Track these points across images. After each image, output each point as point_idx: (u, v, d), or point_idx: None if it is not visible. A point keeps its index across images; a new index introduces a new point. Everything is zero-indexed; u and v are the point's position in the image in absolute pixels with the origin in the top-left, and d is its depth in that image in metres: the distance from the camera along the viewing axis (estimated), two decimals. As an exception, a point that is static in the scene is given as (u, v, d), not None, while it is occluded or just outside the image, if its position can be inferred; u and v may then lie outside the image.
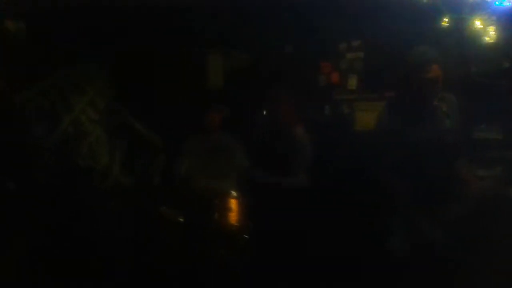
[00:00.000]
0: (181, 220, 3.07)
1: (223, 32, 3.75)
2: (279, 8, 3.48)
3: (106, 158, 3.21)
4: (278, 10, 3.49)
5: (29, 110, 2.68)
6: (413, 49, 2.75)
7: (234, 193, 3.08)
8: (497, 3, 2.96)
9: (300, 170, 3.11)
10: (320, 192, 3.06)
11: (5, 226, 2.50)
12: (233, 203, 3.03)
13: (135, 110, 3.35)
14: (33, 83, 2.72)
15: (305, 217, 2.92)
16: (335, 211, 3.03)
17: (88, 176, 3.04)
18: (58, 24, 2.92)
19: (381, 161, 2.77)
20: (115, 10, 3.22)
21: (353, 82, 3.78)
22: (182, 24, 3.52)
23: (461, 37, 3.13)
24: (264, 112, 3.10)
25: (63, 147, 2.89)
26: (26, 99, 2.69)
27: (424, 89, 2.70)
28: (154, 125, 3.34)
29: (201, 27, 3.61)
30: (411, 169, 2.72)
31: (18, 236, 2.59)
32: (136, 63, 3.36)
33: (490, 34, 3.04)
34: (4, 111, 2.55)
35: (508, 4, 2.95)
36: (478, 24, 3.05)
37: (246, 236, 2.91)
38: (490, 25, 3.04)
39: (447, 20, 3.10)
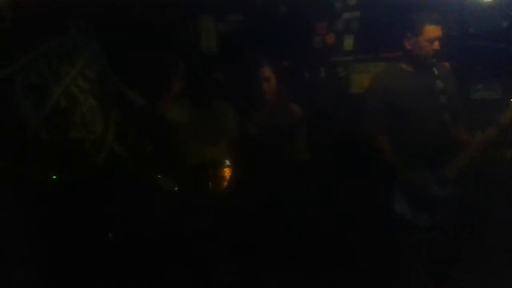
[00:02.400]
0: (175, 188, 3.11)
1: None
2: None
3: (99, 128, 3.22)
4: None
5: (17, 84, 2.65)
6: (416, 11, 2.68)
7: (227, 161, 3.09)
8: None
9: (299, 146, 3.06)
10: (317, 161, 3.06)
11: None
12: (226, 172, 3.04)
13: (126, 77, 3.33)
14: (20, 56, 2.67)
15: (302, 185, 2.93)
16: (334, 179, 3.05)
17: (83, 146, 3.06)
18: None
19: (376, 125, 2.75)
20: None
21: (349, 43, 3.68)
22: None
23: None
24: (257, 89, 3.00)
25: (55, 120, 2.88)
26: (13, 72, 2.65)
27: (422, 51, 2.64)
28: (146, 92, 3.31)
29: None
30: (408, 133, 2.70)
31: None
32: (124, 29, 3.29)
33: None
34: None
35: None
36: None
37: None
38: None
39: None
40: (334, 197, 3.02)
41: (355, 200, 2.99)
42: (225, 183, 3.06)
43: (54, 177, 2.84)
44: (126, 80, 3.33)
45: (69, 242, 2.78)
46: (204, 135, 3.08)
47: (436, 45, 2.62)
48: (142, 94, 3.31)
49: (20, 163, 2.62)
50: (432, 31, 2.61)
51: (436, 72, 2.68)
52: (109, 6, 3.19)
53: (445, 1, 3.02)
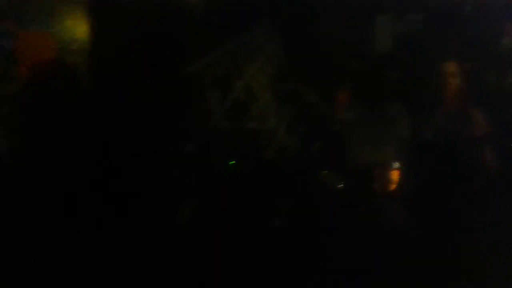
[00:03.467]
0: (341, 186, 3.13)
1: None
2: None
3: (273, 121, 3.42)
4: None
5: (205, 78, 2.97)
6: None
7: (396, 164, 2.99)
8: None
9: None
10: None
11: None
12: (394, 175, 2.95)
13: (303, 76, 3.45)
14: (209, 52, 2.99)
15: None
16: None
17: (256, 137, 3.29)
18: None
19: None
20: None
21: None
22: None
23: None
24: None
25: (234, 111, 3.16)
26: (203, 66, 2.98)
27: None
28: (320, 91, 3.39)
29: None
30: None
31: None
32: (304, 30, 3.40)
33: None
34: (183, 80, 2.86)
35: None
36: None
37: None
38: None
39: None
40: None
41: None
42: (392, 187, 2.97)
43: (231, 162, 3.10)
44: (301, 78, 3.44)
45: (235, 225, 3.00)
46: (375, 137, 3.04)
47: None
48: (315, 92, 3.40)
49: (205, 149, 2.92)
50: None
51: None
52: (291, 7, 3.33)
53: None
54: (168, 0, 2.84)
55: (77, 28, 2.70)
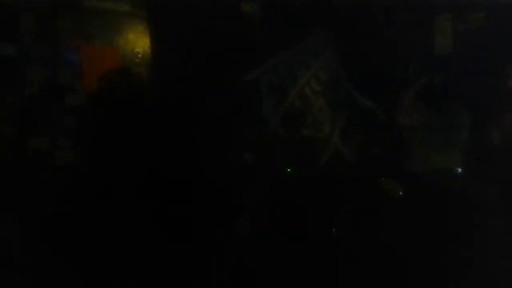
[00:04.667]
0: (401, 193, 3.06)
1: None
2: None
3: (327, 128, 3.39)
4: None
5: (262, 85, 2.99)
6: None
7: (459, 170, 2.90)
8: None
9: None
10: None
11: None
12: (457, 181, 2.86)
13: (357, 82, 3.40)
14: (265, 60, 3.01)
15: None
16: None
17: (311, 144, 3.27)
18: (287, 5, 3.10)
19: None
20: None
21: None
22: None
23: None
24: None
25: (289, 118, 3.16)
26: (259, 74, 3.00)
27: None
28: (375, 97, 3.34)
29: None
30: None
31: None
32: (358, 37, 3.36)
33: None
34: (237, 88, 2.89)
35: None
36: None
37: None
38: None
39: None
40: None
41: None
42: (454, 193, 2.87)
43: (288, 170, 3.10)
44: (357, 83, 3.40)
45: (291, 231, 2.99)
46: (436, 141, 2.95)
47: None
48: (372, 97, 3.35)
49: (261, 155, 2.94)
50: None
51: None
52: (346, 14, 3.30)
53: None
54: (226, 10, 2.89)
55: (139, 41, 2.79)
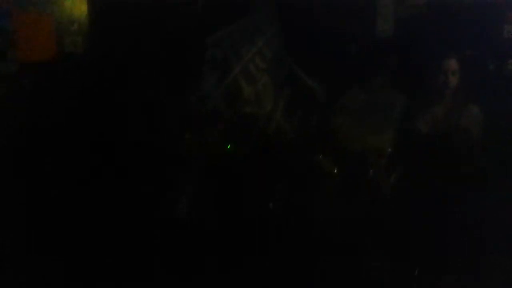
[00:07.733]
0: (335, 171, 3.17)
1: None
2: None
3: (270, 105, 3.43)
4: None
5: (205, 60, 2.98)
6: None
7: (390, 150, 3.03)
8: None
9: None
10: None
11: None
12: (388, 162, 2.99)
13: (300, 60, 3.44)
14: (209, 35, 2.99)
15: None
16: None
17: (253, 120, 3.31)
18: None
19: None
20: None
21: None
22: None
23: None
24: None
25: (232, 94, 3.17)
26: (202, 50, 2.98)
27: None
28: (317, 75, 3.39)
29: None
30: None
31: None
32: (303, 14, 3.38)
33: None
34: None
35: None
36: None
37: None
38: None
39: None
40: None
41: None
42: (385, 173, 3.01)
43: (228, 146, 3.13)
44: (300, 62, 3.44)
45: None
46: (370, 122, 3.06)
47: None
48: (314, 76, 3.40)
49: (200, 131, 2.95)
50: None
51: None
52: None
53: None
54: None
55: (76, 9, 2.70)
